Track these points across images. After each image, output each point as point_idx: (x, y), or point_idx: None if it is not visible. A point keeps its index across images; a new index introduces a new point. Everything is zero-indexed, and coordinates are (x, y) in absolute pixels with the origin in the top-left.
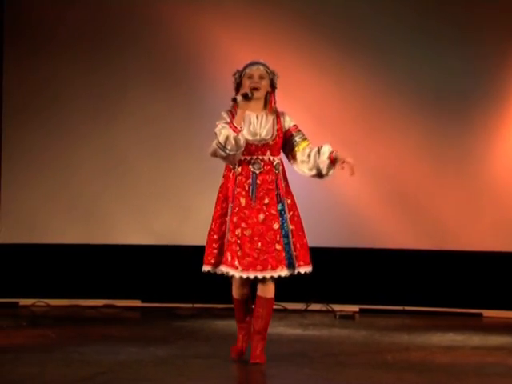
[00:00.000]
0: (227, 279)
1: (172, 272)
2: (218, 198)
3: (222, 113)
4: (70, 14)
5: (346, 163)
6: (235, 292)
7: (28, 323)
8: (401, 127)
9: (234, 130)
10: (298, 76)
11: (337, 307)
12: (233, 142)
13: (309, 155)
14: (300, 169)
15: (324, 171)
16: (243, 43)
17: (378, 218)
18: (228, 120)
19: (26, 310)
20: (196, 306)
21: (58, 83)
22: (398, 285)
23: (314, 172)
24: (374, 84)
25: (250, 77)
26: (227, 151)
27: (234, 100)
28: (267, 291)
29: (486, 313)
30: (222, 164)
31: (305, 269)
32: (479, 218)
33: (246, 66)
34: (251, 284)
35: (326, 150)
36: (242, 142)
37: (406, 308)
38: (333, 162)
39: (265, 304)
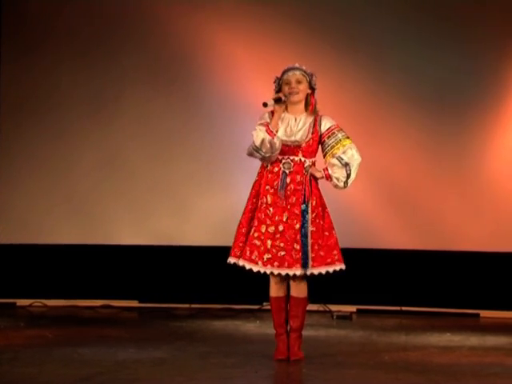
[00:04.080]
0: (226, 280)
1: (169, 272)
2: (251, 193)
3: (264, 114)
4: (66, 11)
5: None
6: (273, 290)
7: (25, 324)
8: (399, 125)
9: (269, 134)
10: None
11: (334, 307)
12: (268, 145)
13: None
14: None
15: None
16: (239, 41)
17: (374, 217)
18: (268, 121)
19: (23, 310)
20: (193, 306)
21: (53, 81)
22: (396, 285)
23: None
24: (372, 82)
25: (288, 83)
26: (262, 153)
27: (265, 105)
28: (300, 291)
29: (484, 313)
30: (216, 163)
31: (320, 269)
32: (477, 219)
33: (284, 72)
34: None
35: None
36: (277, 144)
37: (404, 308)
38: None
39: (299, 303)
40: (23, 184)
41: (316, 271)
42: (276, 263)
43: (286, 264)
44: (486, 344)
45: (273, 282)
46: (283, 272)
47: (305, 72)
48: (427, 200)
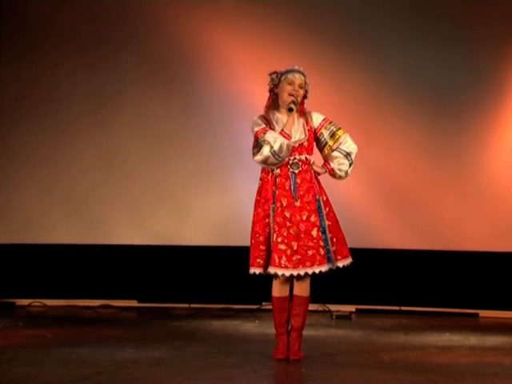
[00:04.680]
0: (225, 280)
1: (168, 272)
2: (257, 200)
3: (257, 119)
4: (66, 11)
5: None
6: (276, 290)
7: (25, 323)
8: (399, 125)
9: (286, 138)
10: None
11: (333, 307)
12: (285, 148)
13: None
14: None
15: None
16: (239, 40)
17: (373, 217)
18: (264, 126)
19: (22, 310)
20: (192, 306)
21: (53, 81)
22: (395, 285)
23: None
24: (372, 82)
25: (291, 83)
26: (280, 158)
27: (291, 110)
28: (303, 290)
29: (483, 313)
30: (216, 163)
31: (343, 262)
32: (476, 219)
33: (288, 71)
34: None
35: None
36: (291, 147)
37: (403, 308)
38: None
39: (301, 302)
40: (22, 184)
41: (341, 264)
42: (308, 263)
43: (317, 262)
44: (485, 344)
45: (277, 282)
46: (317, 270)
47: (305, 79)
48: (426, 200)
